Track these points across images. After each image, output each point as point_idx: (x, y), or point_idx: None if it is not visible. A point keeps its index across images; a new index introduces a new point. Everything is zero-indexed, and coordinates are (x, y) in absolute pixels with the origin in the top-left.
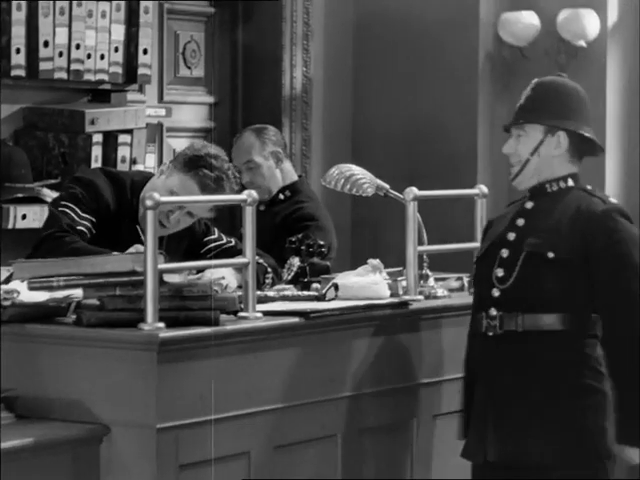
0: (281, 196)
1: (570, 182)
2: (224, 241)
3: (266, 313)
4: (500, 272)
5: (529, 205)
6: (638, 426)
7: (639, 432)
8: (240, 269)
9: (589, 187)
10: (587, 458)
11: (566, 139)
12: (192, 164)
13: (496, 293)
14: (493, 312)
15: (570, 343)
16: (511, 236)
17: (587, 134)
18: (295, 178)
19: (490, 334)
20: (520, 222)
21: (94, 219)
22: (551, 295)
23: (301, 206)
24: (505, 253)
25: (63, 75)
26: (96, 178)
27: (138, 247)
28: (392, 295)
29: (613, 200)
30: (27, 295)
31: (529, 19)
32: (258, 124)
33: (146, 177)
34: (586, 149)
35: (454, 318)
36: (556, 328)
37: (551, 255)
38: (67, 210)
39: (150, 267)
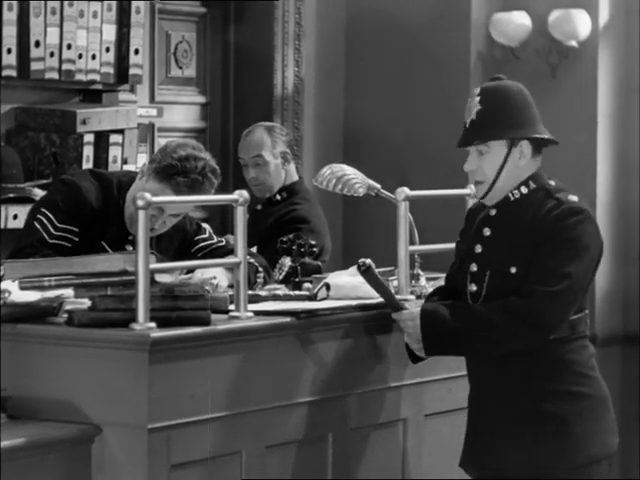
0: (278, 197)
1: (531, 184)
2: (214, 240)
3: (257, 313)
4: (473, 287)
5: (493, 212)
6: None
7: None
8: (231, 269)
9: (552, 182)
10: (571, 466)
11: (529, 146)
12: (165, 173)
13: None
14: None
15: (546, 351)
16: (478, 248)
17: (547, 136)
18: (295, 179)
19: None
20: (486, 232)
21: (75, 227)
22: None
23: (294, 208)
24: (474, 267)
25: (54, 75)
26: (81, 180)
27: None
28: None
29: (571, 198)
30: (18, 295)
31: (520, 19)
32: (268, 122)
33: (133, 178)
34: (542, 143)
35: None
36: None
37: (513, 271)
38: (44, 220)
39: (141, 267)
